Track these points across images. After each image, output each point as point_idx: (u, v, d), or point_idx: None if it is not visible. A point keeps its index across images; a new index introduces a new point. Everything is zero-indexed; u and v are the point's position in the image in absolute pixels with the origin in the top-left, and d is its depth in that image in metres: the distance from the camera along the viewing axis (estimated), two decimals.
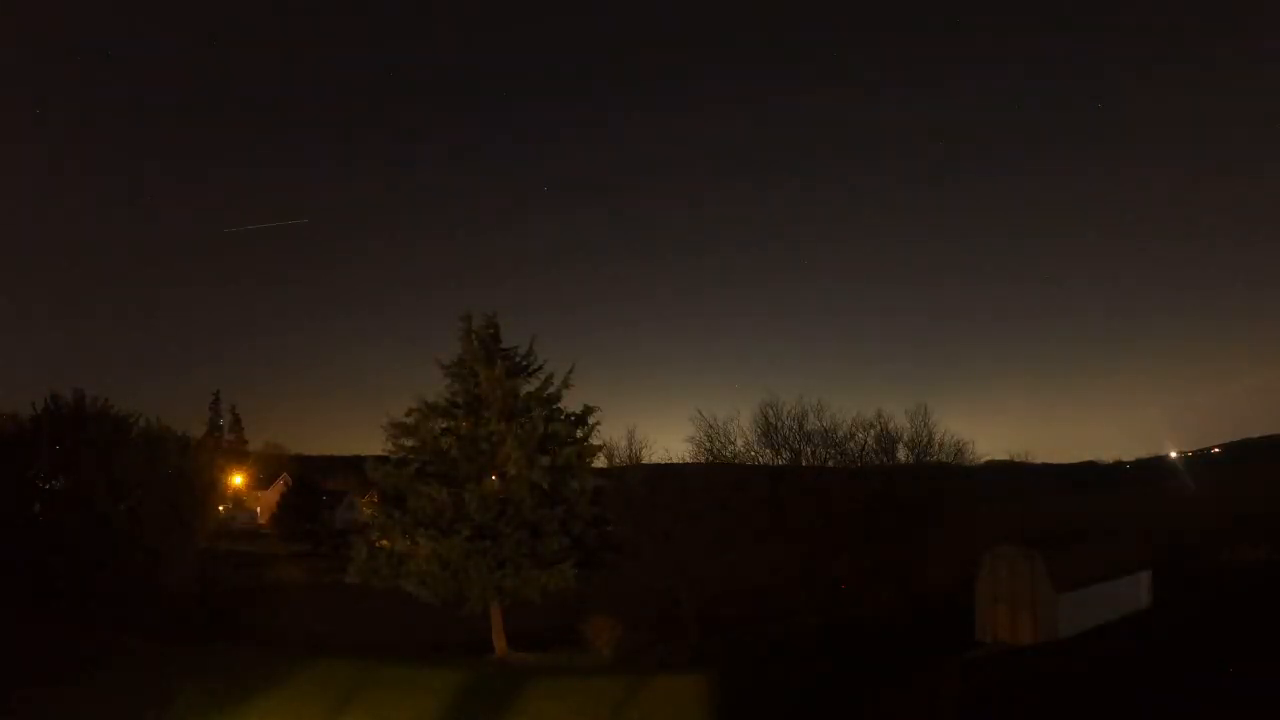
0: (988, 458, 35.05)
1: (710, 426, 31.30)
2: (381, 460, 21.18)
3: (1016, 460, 40.49)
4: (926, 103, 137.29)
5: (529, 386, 21.67)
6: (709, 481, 30.54)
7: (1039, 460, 54.25)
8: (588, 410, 22.21)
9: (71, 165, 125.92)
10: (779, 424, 31.29)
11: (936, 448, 31.46)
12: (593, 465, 23.28)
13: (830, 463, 31.54)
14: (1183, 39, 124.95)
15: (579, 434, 21.93)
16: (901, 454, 31.82)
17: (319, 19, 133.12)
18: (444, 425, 21.11)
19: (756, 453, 31.48)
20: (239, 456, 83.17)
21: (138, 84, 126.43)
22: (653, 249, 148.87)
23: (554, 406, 21.81)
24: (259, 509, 77.14)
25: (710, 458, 31.32)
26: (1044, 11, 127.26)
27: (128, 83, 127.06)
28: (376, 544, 20.70)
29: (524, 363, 21.78)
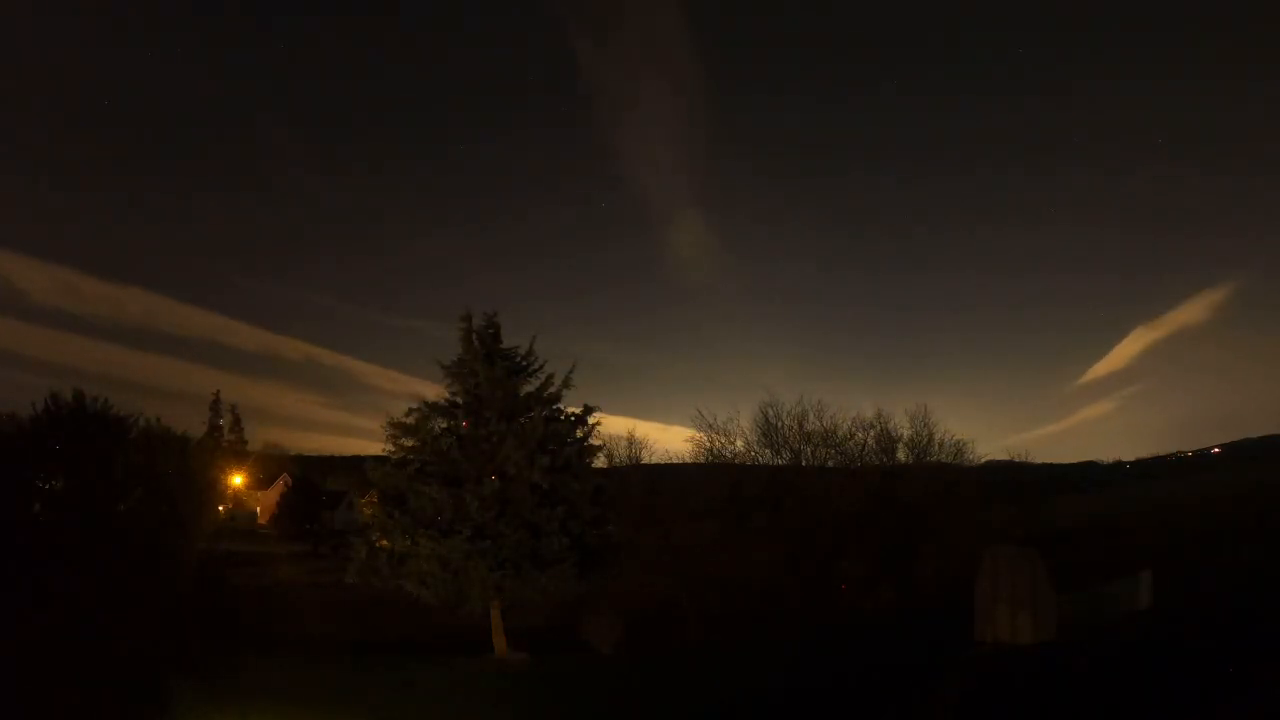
0: (988, 458, 35.06)
1: (710, 426, 31.30)
2: (381, 460, 21.15)
3: (1016, 460, 40.34)
4: (926, 102, 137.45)
5: (529, 386, 21.64)
6: (709, 481, 30.49)
7: (1039, 460, 53.97)
8: (588, 410, 22.19)
9: (72, 165, 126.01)
10: (779, 424, 31.28)
11: (936, 448, 31.52)
12: (593, 465, 23.26)
13: (830, 463, 31.52)
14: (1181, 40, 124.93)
15: (579, 434, 21.91)
16: (901, 454, 31.88)
17: (330, 16, 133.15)
18: (444, 425, 21.10)
19: (756, 453, 31.46)
20: (239, 456, 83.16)
21: (137, 86, 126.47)
22: (653, 249, 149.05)
23: (554, 406, 21.79)
24: (259, 509, 77.20)
25: (710, 458, 31.28)
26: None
27: (127, 85, 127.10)
28: (376, 544, 20.67)
29: (524, 362, 21.75)
